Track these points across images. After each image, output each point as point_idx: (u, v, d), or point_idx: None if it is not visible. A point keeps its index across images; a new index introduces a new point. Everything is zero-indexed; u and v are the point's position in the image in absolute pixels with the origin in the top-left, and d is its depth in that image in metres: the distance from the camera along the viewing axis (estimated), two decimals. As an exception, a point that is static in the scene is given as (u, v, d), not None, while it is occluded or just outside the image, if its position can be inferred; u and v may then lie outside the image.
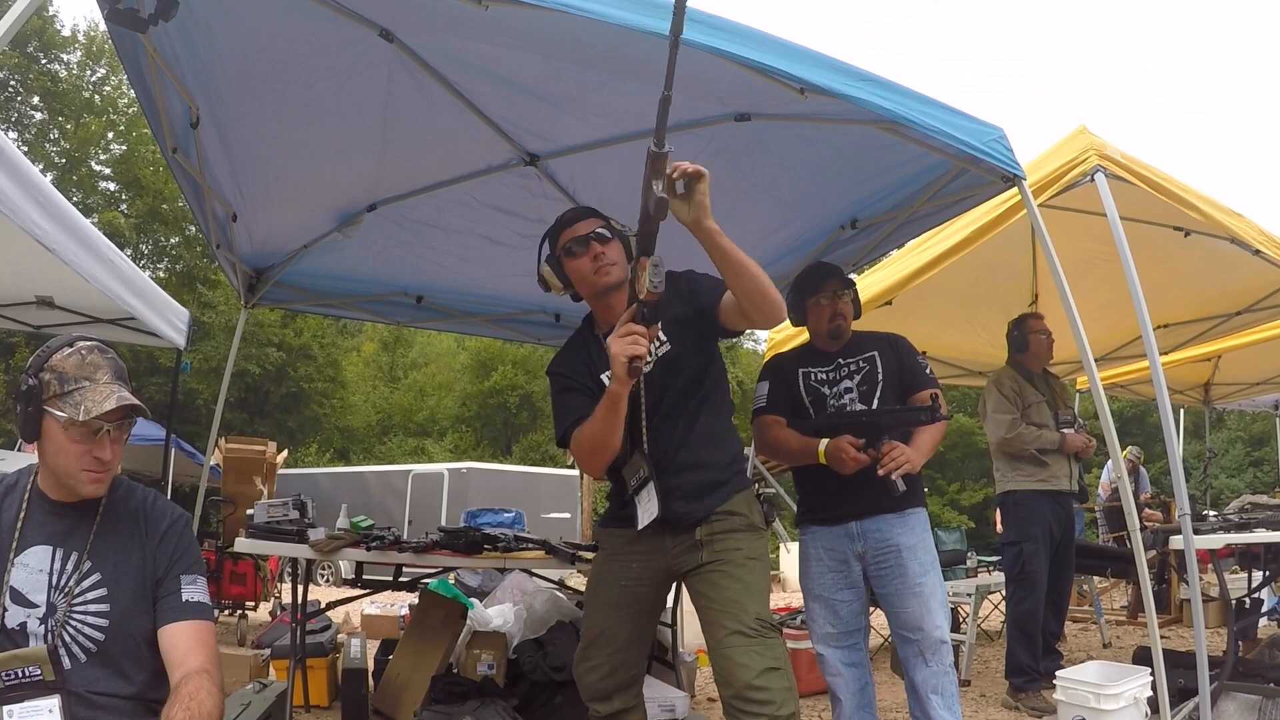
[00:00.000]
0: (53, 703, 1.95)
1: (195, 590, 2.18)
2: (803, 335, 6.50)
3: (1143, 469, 11.48)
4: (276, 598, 9.34)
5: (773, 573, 3.23)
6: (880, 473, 3.28)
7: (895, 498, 3.37)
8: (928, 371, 3.65)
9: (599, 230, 2.88)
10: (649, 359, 2.81)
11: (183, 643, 2.09)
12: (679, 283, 2.86)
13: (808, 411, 3.61)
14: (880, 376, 3.57)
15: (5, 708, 1.92)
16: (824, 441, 3.38)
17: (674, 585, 3.64)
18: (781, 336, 7.01)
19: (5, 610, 2.00)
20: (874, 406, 3.51)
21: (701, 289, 2.86)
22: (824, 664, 3.53)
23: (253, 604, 8.67)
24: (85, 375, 2.06)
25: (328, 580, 15.88)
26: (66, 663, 2.03)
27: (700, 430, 2.86)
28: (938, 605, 3.39)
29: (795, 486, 3.80)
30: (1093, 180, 4.11)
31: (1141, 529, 3.87)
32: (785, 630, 5.93)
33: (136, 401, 2.05)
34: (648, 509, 2.69)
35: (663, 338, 2.85)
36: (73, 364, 2.06)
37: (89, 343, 2.13)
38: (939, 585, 3.45)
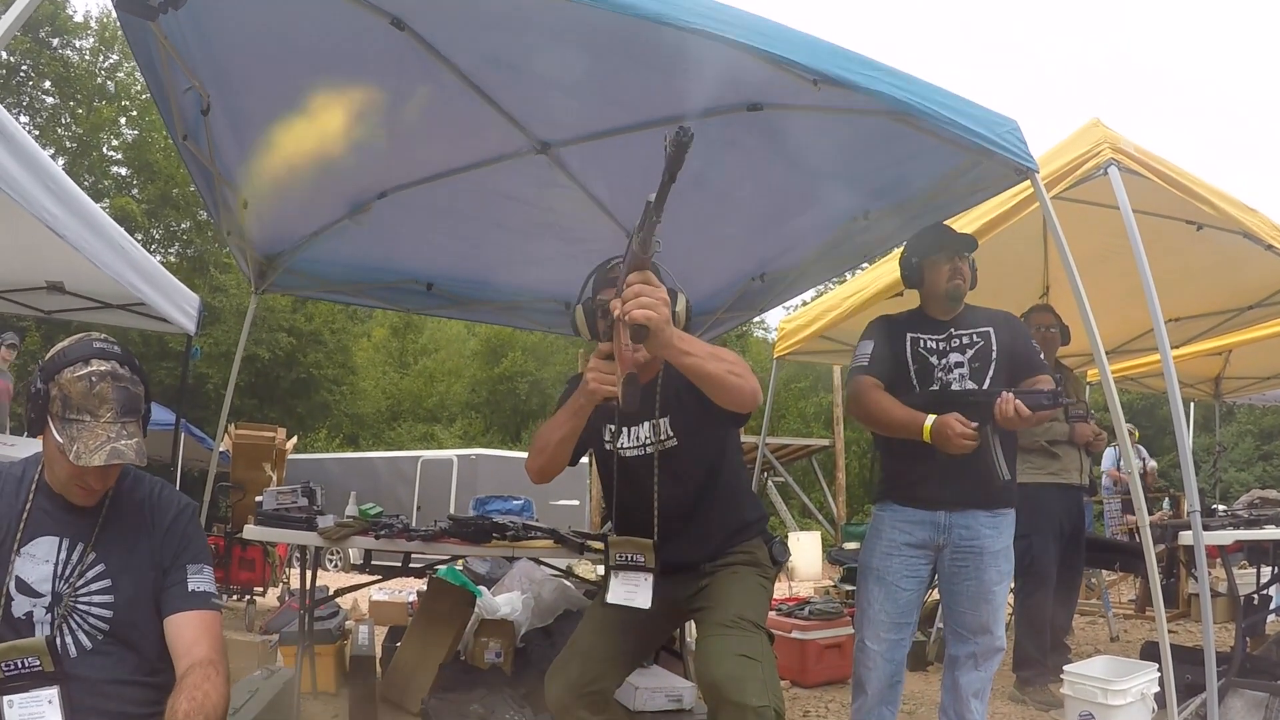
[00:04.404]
0: (52, 693, 1.96)
1: (201, 580, 2.19)
2: (820, 322, 6.51)
3: (1141, 447, 11.41)
4: (285, 583, 9.37)
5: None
6: (998, 415, 3.11)
7: (989, 491, 3.26)
8: (1042, 359, 3.48)
9: None
10: (652, 442, 2.88)
11: (189, 632, 2.10)
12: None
13: (910, 380, 3.39)
14: (994, 354, 3.38)
15: (6, 698, 1.94)
16: (930, 418, 3.18)
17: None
18: (793, 326, 7.01)
19: (11, 600, 2.02)
20: (985, 386, 3.31)
21: None
22: (864, 653, 3.39)
23: (261, 590, 8.70)
24: (88, 409, 2.00)
25: (336, 565, 15.93)
26: (72, 651, 2.04)
27: (711, 507, 2.90)
28: (1003, 613, 3.33)
29: (881, 458, 3.61)
30: (1106, 174, 4.08)
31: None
32: (793, 620, 5.93)
33: (128, 459, 2.00)
34: (633, 596, 2.71)
35: (670, 432, 2.85)
36: (79, 391, 2.00)
37: (104, 366, 2.05)
38: (1006, 591, 3.37)
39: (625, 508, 2.97)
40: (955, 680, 3.38)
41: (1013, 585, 6.55)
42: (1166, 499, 10.00)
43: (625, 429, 2.94)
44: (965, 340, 3.41)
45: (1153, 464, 11.35)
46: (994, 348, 3.38)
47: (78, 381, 2.01)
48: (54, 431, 1.99)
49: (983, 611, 3.29)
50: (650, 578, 2.70)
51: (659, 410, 2.86)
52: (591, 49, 3.13)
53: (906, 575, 3.35)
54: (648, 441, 2.89)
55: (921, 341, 3.45)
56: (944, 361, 3.40)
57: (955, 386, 3.35)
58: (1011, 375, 3.36)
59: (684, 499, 2.85)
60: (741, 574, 2.85)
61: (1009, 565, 3.34)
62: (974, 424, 3.14)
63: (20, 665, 1.95)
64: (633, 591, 2.71)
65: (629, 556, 2.75)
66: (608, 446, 2.97)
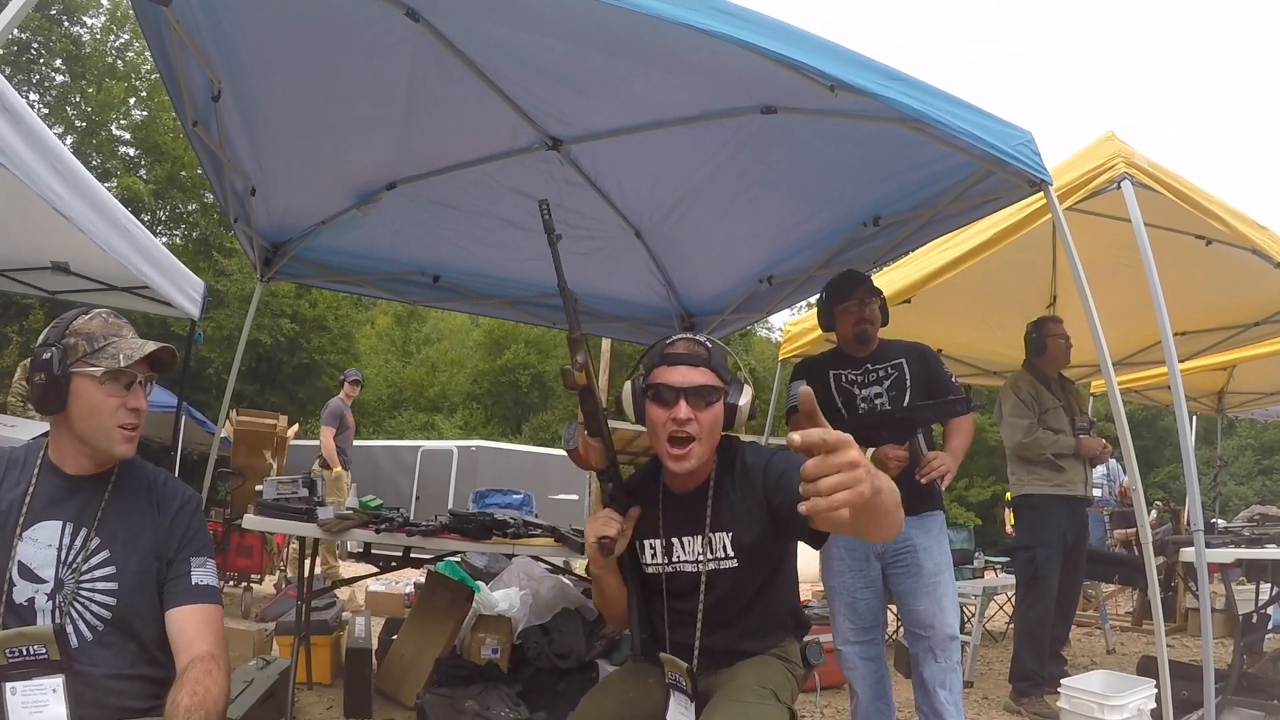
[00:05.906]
0: (56, 682, 1.94)
1: (204, 573, 2.17)
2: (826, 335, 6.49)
3: (1115, 462, 11.32)
4: (281, 570, 9.33)
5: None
6: (923, 481, 3.47)
7: (913, 499, 3.44)
8: (954, 381, 3.78)
9: (701, 386, 2.34)
10: (703, 561, 2.43)
11: (190, 626, 2.08)
12: (763, 478, 2.37)
13: (839, 409, 3.69)
14: (909, 382, 3.70)
15: (9, 684, 1.91)
16: (869, 451, 3.46)
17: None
18: (799, 329, 7.00)
19: (13, 585, 1.99)
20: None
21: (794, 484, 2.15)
22: (842, 659, 3.71)
23: (258, 577, 8.69)
24: (113, 333, 2.12)
25: (338, 554, 15.86)
26: (74, 640, 2.01)
27: (755, 625, 2.51)
28: (949, 604, 3.55)
29: None
30: (1119, 188, 4.07)
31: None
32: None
33: (172, 348, 2.16)
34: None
35: (730, 552, 2.40)
36: (97, 325, 2.11)
37: (107, 310, 2.18)
38: (951, 585, 3.60)
39: (654, 625, 2.56)
40: (919, 675, 3.59)
41: (1009, 594, 6.57)
42: (1154, 508, 9.96)
43: (676, 540, 2.49)
44: (881, 373, 3.76)
45: (1125, 479, 11.28)
46: (908, 376, 3.72)
47: (92, 321, 2.13)
48: (86, 371, 2.05)
49: (926, 604, 3.54)
50: (692, 706, 2.30)
51: (712, 525, 2.42)
52: (606, 47, 3.12)
53: (862, 586, 3.67)
54: (700, 559, 2.44)
55: (843, 376, 3.79)
56: (865, 393, 3.74)
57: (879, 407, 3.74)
58: (928, 398, 3.68)
59: (725, 615, 2.48)
60: (767, 659, 2.50)
61: (944, 558, 3.61)
62: (904, 442, 3.51)
63: (25, 652, 1.93)
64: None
65: (677, 679, 2.36)
66: (650, 570, 2.53)
